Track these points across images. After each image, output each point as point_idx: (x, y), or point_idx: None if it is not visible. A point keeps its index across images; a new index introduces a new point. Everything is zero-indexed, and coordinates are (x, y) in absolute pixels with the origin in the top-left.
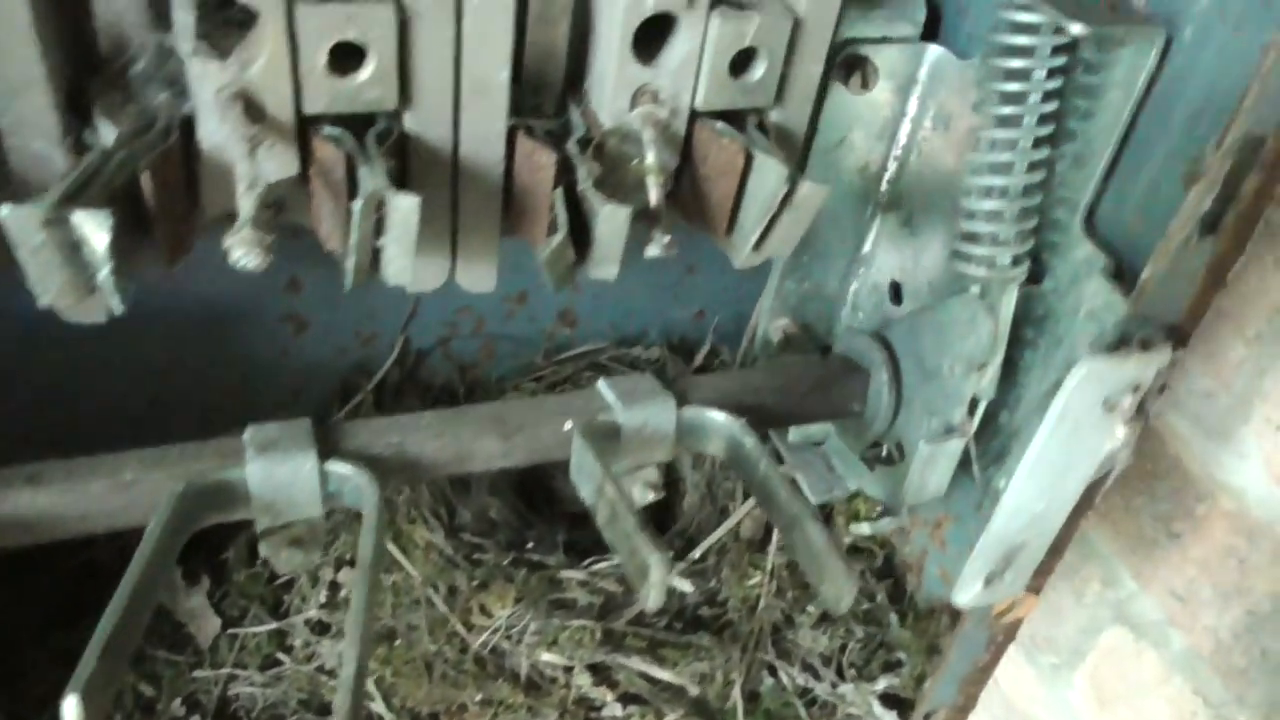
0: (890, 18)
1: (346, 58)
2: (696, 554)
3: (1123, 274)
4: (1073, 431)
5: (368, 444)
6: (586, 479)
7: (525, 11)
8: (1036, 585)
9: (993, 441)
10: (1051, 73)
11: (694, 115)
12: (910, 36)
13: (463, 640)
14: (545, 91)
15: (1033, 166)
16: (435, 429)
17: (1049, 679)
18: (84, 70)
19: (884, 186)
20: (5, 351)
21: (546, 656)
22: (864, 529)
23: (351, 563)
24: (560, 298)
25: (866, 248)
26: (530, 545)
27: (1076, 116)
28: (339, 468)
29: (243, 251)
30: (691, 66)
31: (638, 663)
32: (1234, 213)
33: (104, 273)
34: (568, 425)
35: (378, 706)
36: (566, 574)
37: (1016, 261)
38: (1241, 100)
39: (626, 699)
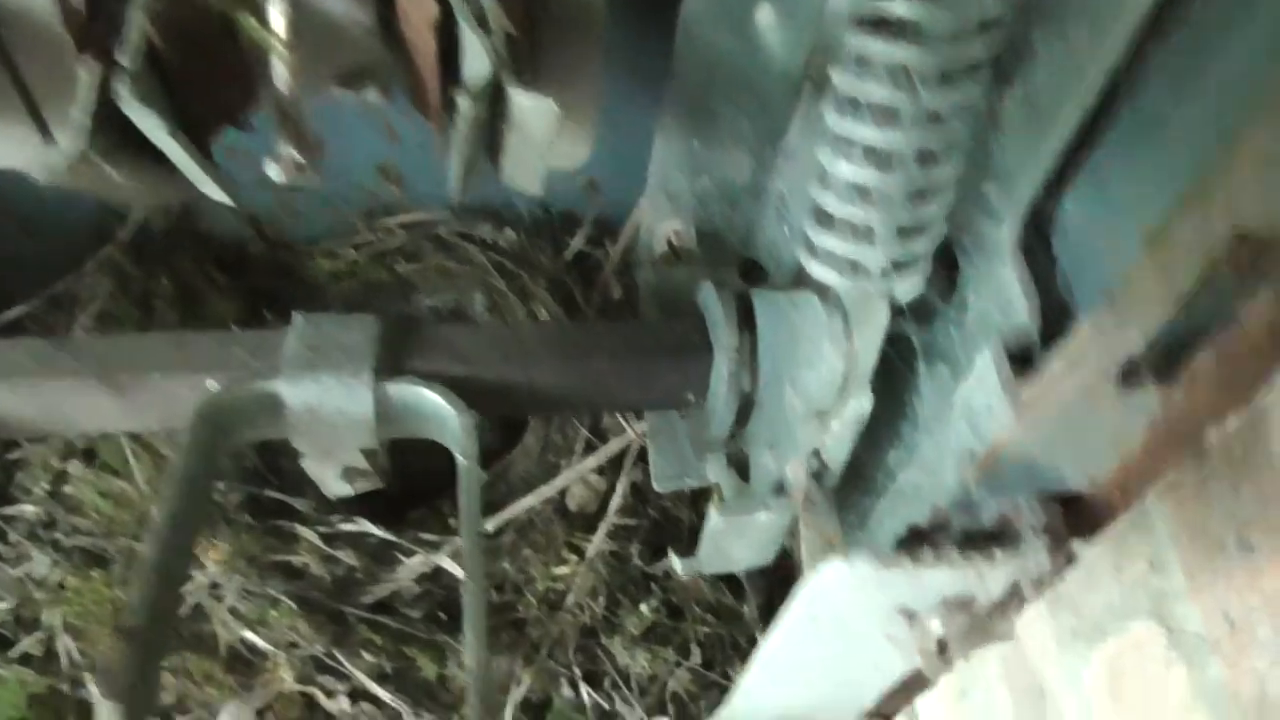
0: None
1: None
2: (490, 526)
3: (1032, 357)
4: (840, 635)
5: None
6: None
7: None
8: None
9: (870, 486)
10: None
11: None
12: None
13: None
14: None
15: (934, 119)
16: (13, 375)
17: (1066, 642)
18: None
19: (810, 55)
20: None
21: (250, 636)
22: (675, 564)
23: (85, 455)
24: (375, 147)
25: (791, 137)
26: (277, 482)
27: (1035, 38)
28: None
29: None
30: None
31: (369, 659)
32: (1212, 355)
33: None
34: (211, 384)
35: (61, 645)
36: (303, 532)
37: (893, 269)
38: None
39: (358, 695)
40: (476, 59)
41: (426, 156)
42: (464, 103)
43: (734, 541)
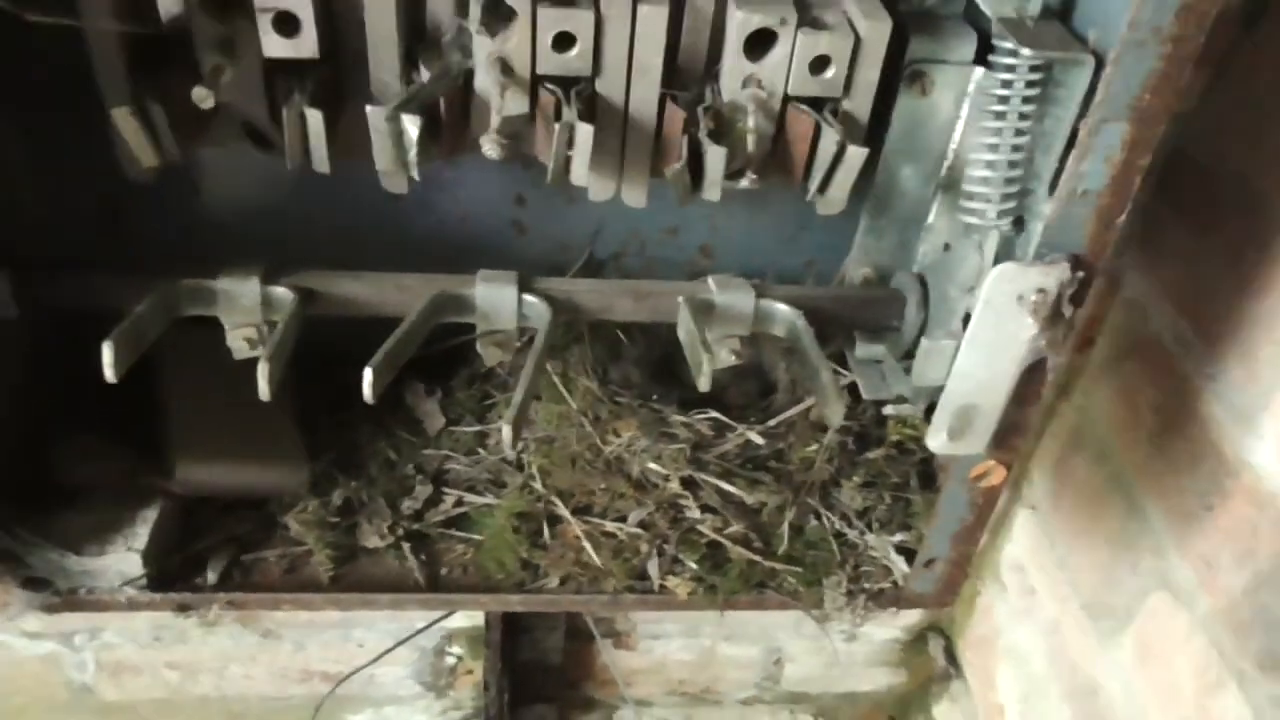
0: (949, 45)
1: (565, 40)
2: (773, 422)
3: None
4: (997, 317)
5: (550, 289)
6: (684, 331)
7: (680, 23)
8: (1005, 459)
9: None
10: (1030, 84)
11: (787, 99)
12: (965, 59)
13: (598, 448)
14: (691, 73)
15: (1014, 149)
16: (596, 290)
17: (1105, 639)
18: (415, 38)
19: (943, 171)
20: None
21: (652, 465)
22: (888, 409)
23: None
24: (702, 233)
25: (930, 219)
26: (655, 398)
27: (1045, 115)
28: (530, 298)
29: (490, 145)
30: (784, 65)
31: (715, 481)
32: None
33: (412, 153)
34: (680, 297)
35: (536, 484)
36: (675, 418)
37: (1000, 215)
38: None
39: (705, 508)
40: (832, 139)
41: (730, 242)
42: (820, 165)
43: (929, 362)
